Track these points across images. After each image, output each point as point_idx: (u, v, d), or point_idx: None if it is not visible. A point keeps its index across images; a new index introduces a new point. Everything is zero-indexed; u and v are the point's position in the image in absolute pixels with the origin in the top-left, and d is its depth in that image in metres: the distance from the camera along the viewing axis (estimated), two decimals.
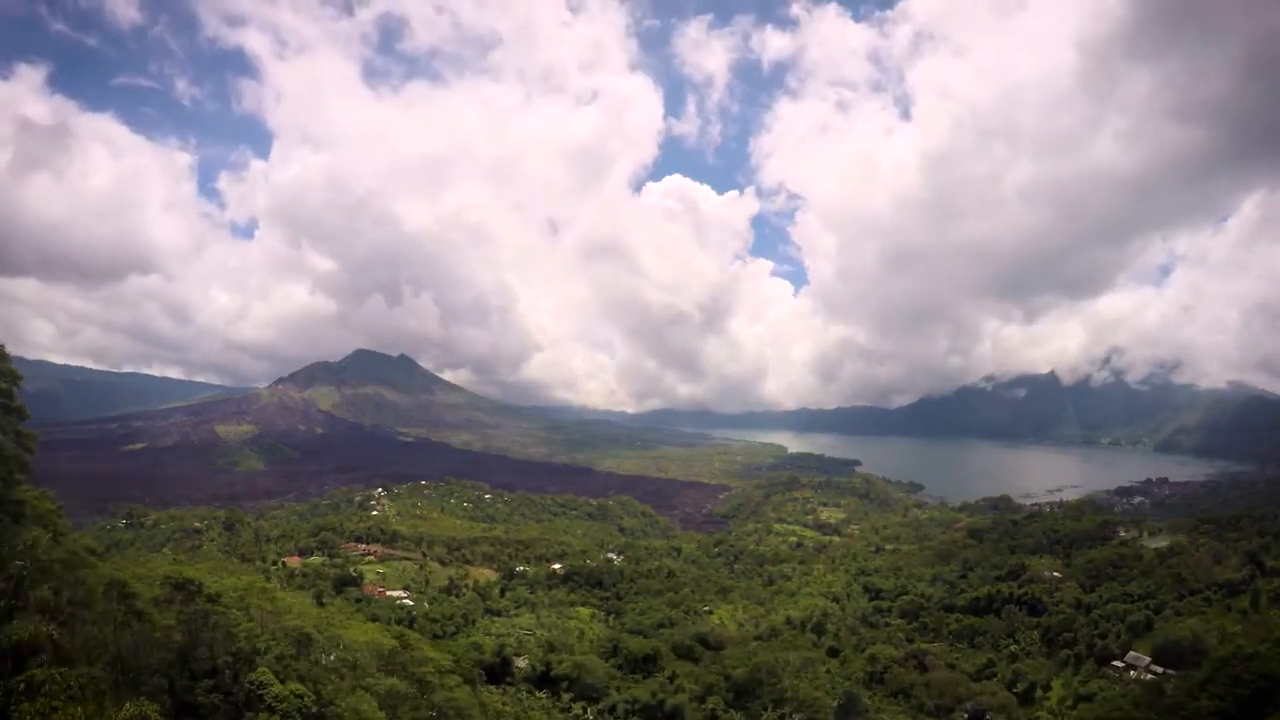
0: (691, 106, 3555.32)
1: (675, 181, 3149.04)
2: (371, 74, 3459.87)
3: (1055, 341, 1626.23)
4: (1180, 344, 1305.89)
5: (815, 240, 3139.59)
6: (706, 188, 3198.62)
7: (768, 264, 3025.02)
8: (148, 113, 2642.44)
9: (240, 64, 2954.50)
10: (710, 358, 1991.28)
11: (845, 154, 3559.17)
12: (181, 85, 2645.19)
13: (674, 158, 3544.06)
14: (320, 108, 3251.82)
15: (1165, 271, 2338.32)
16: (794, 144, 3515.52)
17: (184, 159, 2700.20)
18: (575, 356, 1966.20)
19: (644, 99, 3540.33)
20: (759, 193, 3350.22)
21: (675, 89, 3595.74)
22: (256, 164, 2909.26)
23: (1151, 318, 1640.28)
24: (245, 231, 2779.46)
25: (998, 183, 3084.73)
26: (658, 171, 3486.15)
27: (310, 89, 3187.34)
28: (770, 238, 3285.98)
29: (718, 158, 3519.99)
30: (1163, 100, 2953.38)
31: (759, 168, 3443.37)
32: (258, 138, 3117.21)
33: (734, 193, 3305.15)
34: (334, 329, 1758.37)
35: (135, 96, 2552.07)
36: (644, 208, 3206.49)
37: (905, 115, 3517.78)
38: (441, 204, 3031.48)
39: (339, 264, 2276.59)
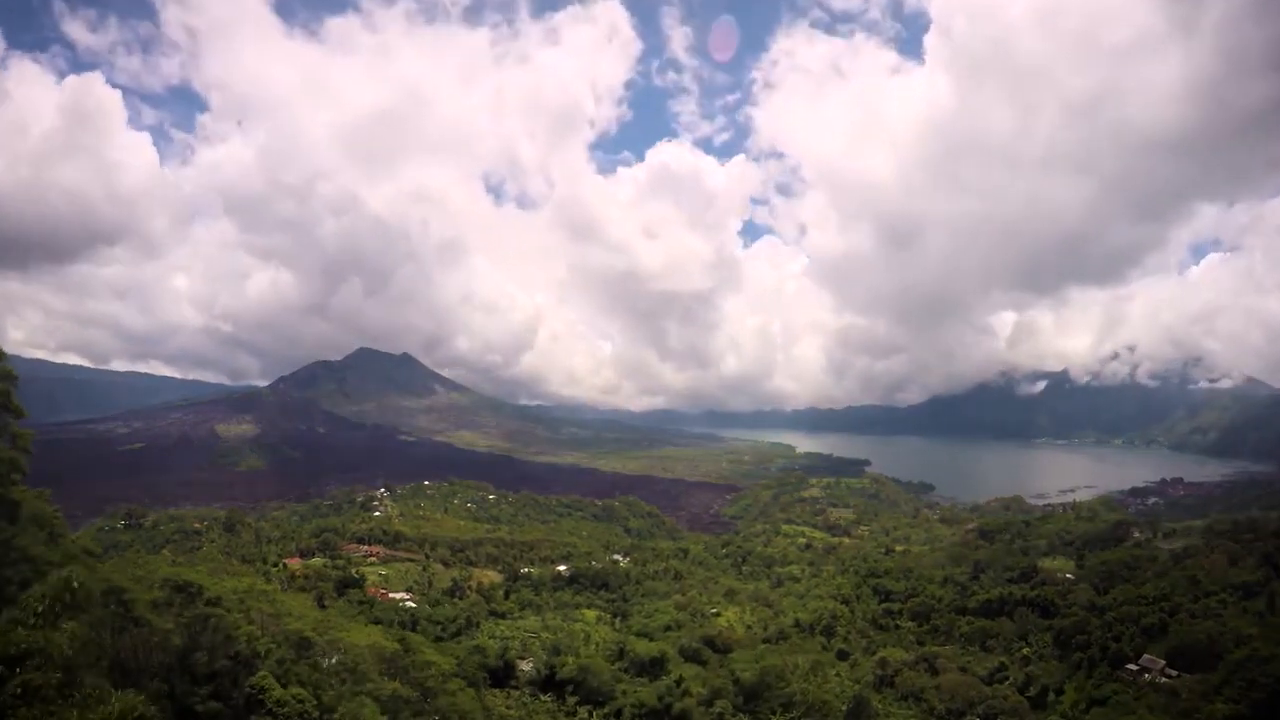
0: (675, 44, 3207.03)
1: (667, 149, 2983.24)
2: (283, 9, 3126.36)
3: (1069, 336, 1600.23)
4: (1204, 337, 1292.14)
5: (820, 216, 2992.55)
6: (701, 154, 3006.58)
7: (771, 243, 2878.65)
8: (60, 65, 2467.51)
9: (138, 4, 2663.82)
10: (714, 351, 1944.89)
11: (851, 107, 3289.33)
12: (79, 32, 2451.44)
13: (654, 110, 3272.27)
14: (235, 56, 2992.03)
15: (1198, 254, 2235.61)
16: (795, 94, 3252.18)
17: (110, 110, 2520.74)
18: (575, 354, 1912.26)
19: (618, 36, 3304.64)
20: (756, 157, 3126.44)
21: (651, 17, 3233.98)
22: (179, 135, 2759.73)
23: (1176, 307, 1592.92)
24: (187, 213, 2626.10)
25: (1021, 141, 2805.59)
26: (638, 128, 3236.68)
27: (218, 31, 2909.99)
28: (771, 211, 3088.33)
29: (709, 113, 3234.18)
30: (1235, 37, 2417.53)
31: (756, 127, 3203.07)
32: (182, 99, 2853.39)
33: (740, 158, 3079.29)
34: (309, 323, 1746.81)
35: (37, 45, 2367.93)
36: (631, 178, 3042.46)
37: (916, 53, 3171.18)
38: (399, 178, 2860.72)
39: (302, 254, 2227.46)
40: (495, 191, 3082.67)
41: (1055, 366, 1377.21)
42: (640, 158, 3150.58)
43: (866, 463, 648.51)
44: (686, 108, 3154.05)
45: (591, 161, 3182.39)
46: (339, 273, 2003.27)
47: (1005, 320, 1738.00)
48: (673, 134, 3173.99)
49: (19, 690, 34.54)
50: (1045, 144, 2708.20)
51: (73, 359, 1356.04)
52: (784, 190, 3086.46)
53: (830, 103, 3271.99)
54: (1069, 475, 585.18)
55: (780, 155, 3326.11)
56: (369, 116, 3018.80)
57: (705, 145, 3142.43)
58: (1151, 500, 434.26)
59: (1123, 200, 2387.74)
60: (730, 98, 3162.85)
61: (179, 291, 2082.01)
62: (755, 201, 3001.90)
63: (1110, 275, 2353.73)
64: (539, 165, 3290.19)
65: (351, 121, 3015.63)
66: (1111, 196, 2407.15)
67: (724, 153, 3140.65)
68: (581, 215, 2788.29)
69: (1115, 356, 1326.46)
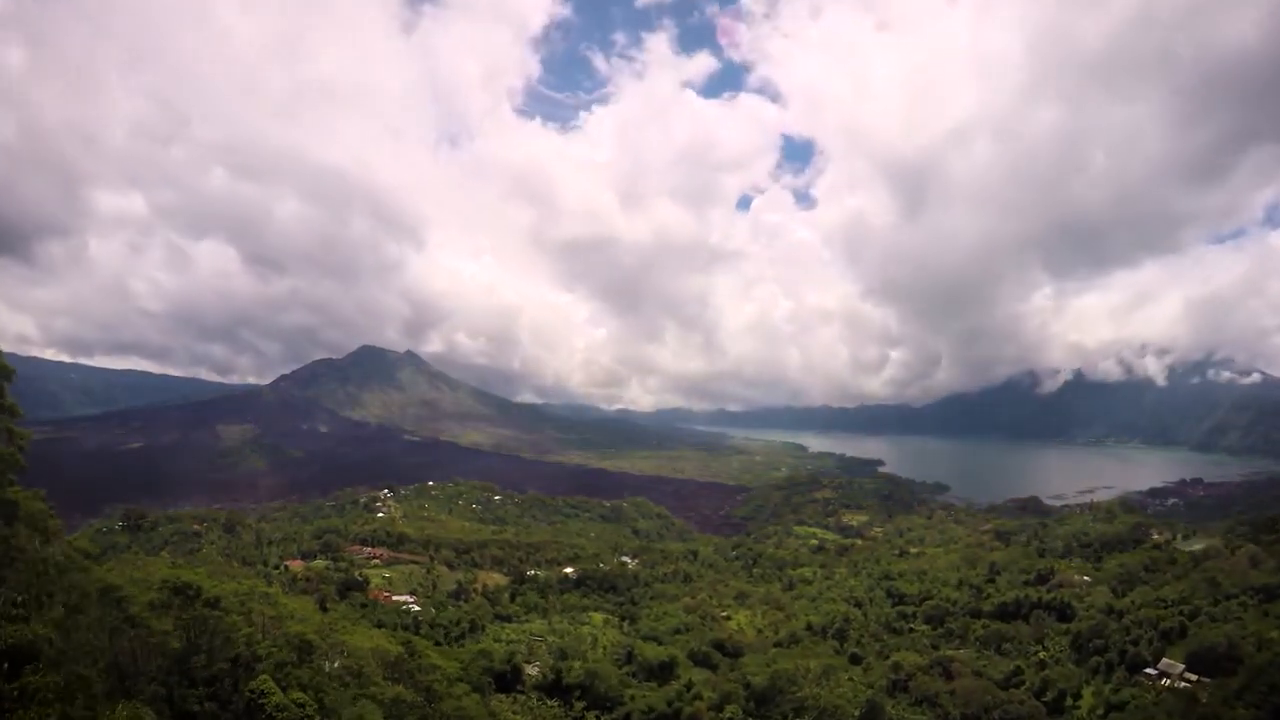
0: None
1: (641, 86, 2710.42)
2: None
3: (1089, 329, 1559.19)
4: (1239, 328, 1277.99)
5: (829, 175, 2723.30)
6: (691, 93, 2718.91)
7: (773, 207, 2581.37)
8: None
9: None
10: (713, 340, 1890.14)
11: (856, 28, 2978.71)
12: None
13: (620, 38, 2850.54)
14: None
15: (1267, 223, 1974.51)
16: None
17: None
18: (572, 347, 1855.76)
19: None
20: (749, 89, 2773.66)
21: None
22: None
23: (1212, 292, 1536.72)
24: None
25: (1057, 77, 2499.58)
26: (601, 64, 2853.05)
27: None
28: (771, 170, 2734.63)
29: (686, 39, 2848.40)
30: None
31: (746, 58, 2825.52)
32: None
33: (735, 98, 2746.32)
34: (275, 313, 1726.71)
35: None
36: (597, 125, 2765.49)
37: None
38: (336, 140, 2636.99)
39: (253, 239, 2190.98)
40: (449, 146, 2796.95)
41: (1073, 363, 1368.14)
42: (605, 100, 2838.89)
43: (880, 463, 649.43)
44: (659, 35, 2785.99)
45: (544, 107, 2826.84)
46: (291, 256, 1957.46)
47: (1023, 313, 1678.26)
48: (644, 66, 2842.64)
49: (16, 693, 34.68)
50: (1076, 75, 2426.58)
51: (59, 355, 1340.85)
52: (783, 142, 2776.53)
53: (831, 25, 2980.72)
54: (1087, 476, 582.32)
55: (771, 91, 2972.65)
56: (270, 58, 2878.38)
57: (689, 83, 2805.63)
58: (1171, 501, 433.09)
59: (1176, 154, 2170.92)
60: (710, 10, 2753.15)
61: (124, 277, 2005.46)
62: (753, 157, 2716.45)
63: (1149, 250, 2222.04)
64: (489, 117, 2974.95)
65: (256, 68, 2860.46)
66: (1161, 149, 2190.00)
67: (710, 91, 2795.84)
68: (544, 181, 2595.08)
69: (1141, 353, 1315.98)
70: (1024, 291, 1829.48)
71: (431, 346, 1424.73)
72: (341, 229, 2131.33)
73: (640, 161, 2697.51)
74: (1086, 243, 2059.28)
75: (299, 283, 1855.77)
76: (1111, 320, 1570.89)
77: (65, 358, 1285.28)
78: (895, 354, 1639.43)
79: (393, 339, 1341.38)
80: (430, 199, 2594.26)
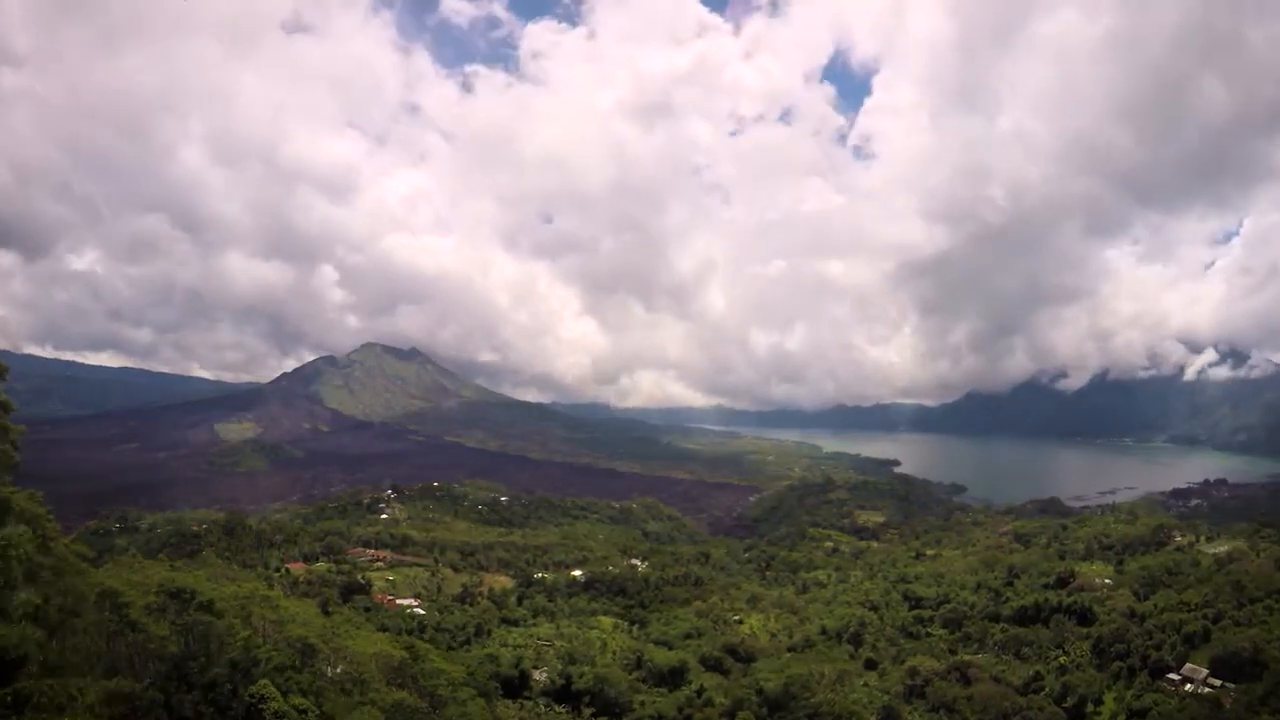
0: None
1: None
2: None
3: (1118, 321, 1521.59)
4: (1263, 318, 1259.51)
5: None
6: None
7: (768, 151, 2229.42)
8: None
9: None
10: (721, 331, 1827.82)
11: None
12: None
13: None
14: None
15: None
16: None
17: None
18: (573, 347, 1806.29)
19: None
20: None
21: None
22: None
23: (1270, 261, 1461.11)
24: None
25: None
26: None
27: None
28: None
29: None
30: None
31: None
32: None
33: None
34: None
35: None
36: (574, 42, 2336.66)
37: None
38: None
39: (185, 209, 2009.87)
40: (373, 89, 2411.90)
41: (1098, 358, 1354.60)
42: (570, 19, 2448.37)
43: (895, 463, 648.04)
44: None
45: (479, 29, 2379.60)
46: (229, 231, 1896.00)
47: (1052, 292, 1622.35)
48: None
49: (10, 698, 34.69)
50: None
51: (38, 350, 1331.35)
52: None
53: None
54: (1108, 476, 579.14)
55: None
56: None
57: None
58: (1194, 502, 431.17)
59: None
60: None
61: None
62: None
63: (1205, 214, 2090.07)
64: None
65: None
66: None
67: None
68: (493, 130, 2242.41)
69: (1147, 349, 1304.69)
70: (1057, 266, 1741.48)
71: (412, 333, 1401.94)
72: (266, 196, 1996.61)
73: (609, 93, 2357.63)
74: (1145, 197, 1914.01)
75: (248, 263, 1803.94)
76: (1144, 306, 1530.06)
77: (44, 353, 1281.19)
78: (911, 346, 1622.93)
79: (359, 327, 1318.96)
80: (365, 162, 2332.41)
